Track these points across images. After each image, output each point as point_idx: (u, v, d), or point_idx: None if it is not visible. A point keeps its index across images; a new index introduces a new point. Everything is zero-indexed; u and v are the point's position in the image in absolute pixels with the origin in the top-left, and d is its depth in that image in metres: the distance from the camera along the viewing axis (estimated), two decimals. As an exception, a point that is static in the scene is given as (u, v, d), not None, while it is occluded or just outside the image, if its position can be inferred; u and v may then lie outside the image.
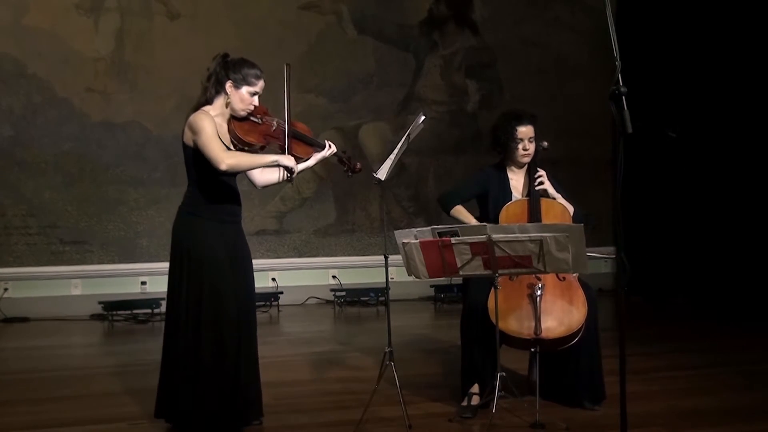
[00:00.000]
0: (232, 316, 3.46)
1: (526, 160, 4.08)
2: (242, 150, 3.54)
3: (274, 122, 3.58)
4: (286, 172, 3.51)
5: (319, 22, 8.10)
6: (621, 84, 2.57)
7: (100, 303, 7.06)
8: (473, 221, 4.03)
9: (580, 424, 3.64)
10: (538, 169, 4.05)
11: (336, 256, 8.13)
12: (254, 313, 3.68)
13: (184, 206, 3.58)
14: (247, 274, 3.64)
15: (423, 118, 3.89)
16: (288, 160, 3.48)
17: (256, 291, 3.76)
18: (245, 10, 7.86)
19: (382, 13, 8.27)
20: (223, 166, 3.32)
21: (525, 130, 4.03)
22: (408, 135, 3.85)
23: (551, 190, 4.03)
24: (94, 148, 7.53)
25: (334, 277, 8.03)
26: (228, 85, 3.48)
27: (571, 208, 4.02)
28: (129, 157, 7.60)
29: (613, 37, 2.64)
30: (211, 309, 3.43)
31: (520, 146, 4.04)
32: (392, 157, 3.85)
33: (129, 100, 7.61)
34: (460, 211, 4.12)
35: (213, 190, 3.51)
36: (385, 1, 8.29)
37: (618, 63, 2.57)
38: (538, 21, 8.64)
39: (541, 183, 4.01)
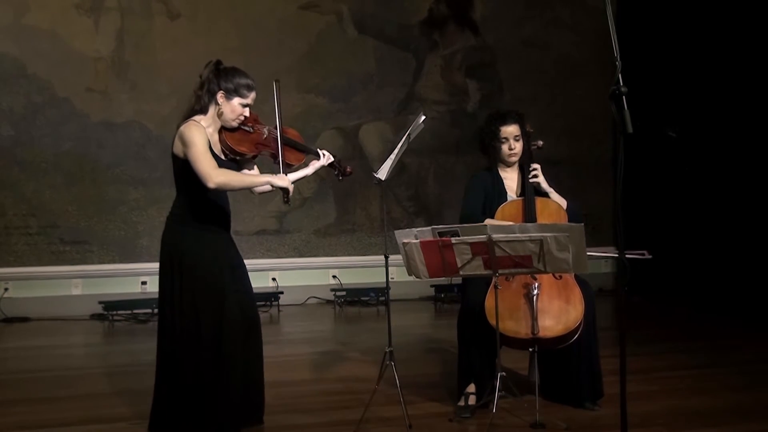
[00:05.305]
0: (236, 326, 3.39)
1: (514, 159, 4.08)
2: (234, 160, 3.50)
3: (265, 130, 3.53)
4: (283, 195, 3.44)
5: (319, 22, 8.10)
6: (621, 84, 2.57)
7: (100, 303, 7.07)
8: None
9: (580, 424, 3.64)
10: (533, 164, 4.04)
11: (336, 256, 8.12)
12: (259, 323, 3.61)
13: (174, 216, 3.51)
14: (247, 283, 3.58)
15: (423, 117, 3.89)
16: (281, 181, 3.42)
17: (257, 291, 3.74)
18: (245, 10, 7.87)
19: (382, 13, 8.27)
20: (211, 184, 3.26)
21: (509, 130, 4.03)
22: (408, 135, 3.85)
23: (544, 185, 4.02)
24: (94, 148, 7.54)
25: (334, 277, 8.03)
26: (219, 95, 3.41)
27: (563, 202, 4.02)
28: (129, 157, 7.60)
29: (614, 37, 2.64)
30: (212, 320, 3.34)
31: (505, 146, 4.04)
32: (392, 157, 3.85)
33: (129, 100, 7.61)
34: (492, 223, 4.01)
35: (204, 199, 3.43)
36: (385, 1, 8.28)
37: (618, 63, 2.58)
38: (538, 21, 8.64)
39: (536, 176, 4.01)
